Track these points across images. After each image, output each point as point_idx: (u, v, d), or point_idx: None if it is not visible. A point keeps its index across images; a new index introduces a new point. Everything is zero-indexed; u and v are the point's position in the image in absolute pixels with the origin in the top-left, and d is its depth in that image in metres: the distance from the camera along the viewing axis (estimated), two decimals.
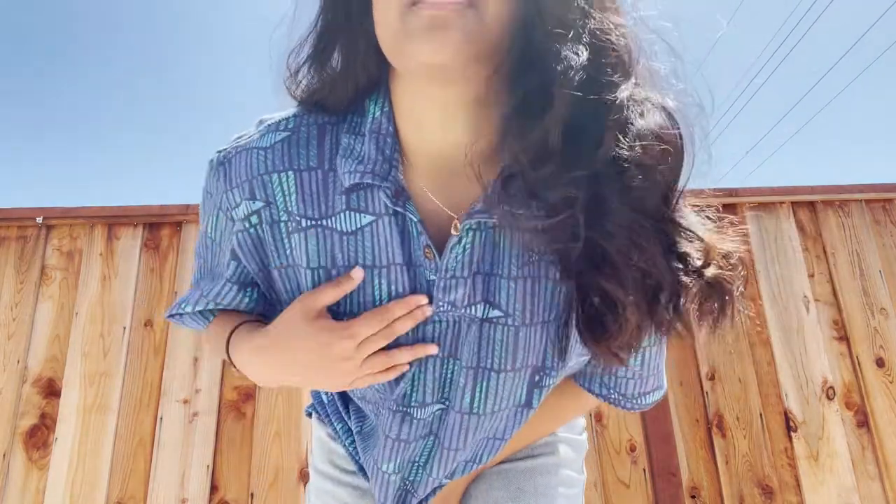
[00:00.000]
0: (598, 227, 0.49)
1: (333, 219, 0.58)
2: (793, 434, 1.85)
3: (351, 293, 0.59)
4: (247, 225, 0.60)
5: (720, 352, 1.94)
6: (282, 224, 0.59)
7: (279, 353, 0.60)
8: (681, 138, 0.52)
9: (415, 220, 0.56)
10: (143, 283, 1.96)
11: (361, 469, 0.77)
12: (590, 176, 0.48)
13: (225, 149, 0.62)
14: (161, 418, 1.82)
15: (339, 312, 0.59)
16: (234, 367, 0.66)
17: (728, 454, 1.84)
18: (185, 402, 1.84)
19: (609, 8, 0.50)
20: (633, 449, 1.84)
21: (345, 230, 0.57)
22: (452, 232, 0.56)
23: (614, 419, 1.86)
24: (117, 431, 1.81)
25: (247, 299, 0.66)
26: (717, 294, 0.53)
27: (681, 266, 0.52)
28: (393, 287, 0.58)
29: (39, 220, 1.99)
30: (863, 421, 1.88)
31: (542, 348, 0.59)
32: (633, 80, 0.49)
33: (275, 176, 0.58)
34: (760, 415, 1.88)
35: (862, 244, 2.08)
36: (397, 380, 0.62)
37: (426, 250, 0.56)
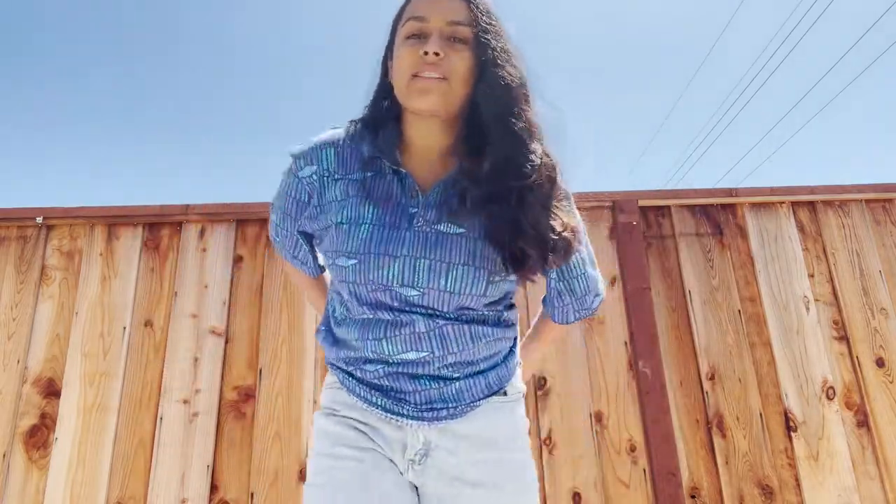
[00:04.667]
0: (523, 212, 0.87)
1: (353, 174, 0.95)
2: (793, 434, 1.85)
3: (358, 211, 0.91)
4: (306, 181, 0.97)
5: (720, 352, 1.94)
6: (325, 178, 0.96)
7: None
8: (556, 171, 0.91)
9: (406, 173, 0.93)
10: (143, 283, 1.96)
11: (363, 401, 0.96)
12: (518, 190, 0.87)
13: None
14: (161, 418, 1.83)
15: (351, 220, 0.91)
16: None
17: (728, 454, 1.84)
18: (185, 402, 1.84)
19: (530, 100, 0.89)
20: (633, 449, 1.84)
21: (358, 179, 0.94)
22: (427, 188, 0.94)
23: (614, 419, 1.86)
24: (117, 431, 1.81)
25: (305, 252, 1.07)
26: (564, 246, 0.91)
27: (553, 228, 0.90)
28: (383, 213, 0.91)
29: (39, 220, 1.99)
30: (863, 421, 1.88)
31: (491, 254, 0.91)
32: (539, 144, 0.89)
33: (325, 150, 0.97)
34: (760, 415, 1.88)
35: (862, 244, 2.08)
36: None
37: (412, 192, 0.92)
